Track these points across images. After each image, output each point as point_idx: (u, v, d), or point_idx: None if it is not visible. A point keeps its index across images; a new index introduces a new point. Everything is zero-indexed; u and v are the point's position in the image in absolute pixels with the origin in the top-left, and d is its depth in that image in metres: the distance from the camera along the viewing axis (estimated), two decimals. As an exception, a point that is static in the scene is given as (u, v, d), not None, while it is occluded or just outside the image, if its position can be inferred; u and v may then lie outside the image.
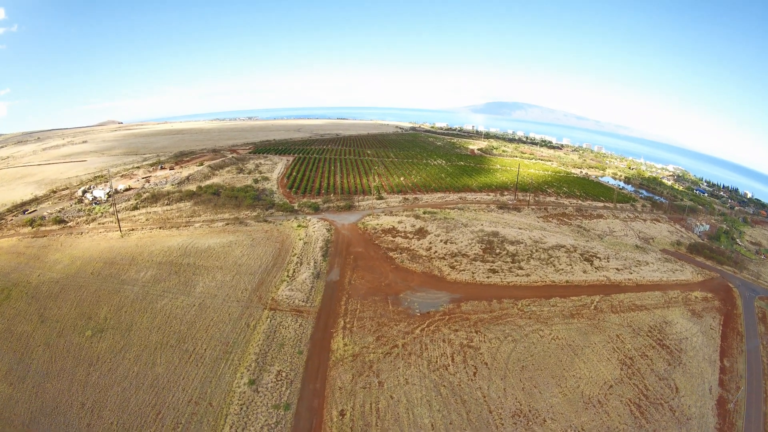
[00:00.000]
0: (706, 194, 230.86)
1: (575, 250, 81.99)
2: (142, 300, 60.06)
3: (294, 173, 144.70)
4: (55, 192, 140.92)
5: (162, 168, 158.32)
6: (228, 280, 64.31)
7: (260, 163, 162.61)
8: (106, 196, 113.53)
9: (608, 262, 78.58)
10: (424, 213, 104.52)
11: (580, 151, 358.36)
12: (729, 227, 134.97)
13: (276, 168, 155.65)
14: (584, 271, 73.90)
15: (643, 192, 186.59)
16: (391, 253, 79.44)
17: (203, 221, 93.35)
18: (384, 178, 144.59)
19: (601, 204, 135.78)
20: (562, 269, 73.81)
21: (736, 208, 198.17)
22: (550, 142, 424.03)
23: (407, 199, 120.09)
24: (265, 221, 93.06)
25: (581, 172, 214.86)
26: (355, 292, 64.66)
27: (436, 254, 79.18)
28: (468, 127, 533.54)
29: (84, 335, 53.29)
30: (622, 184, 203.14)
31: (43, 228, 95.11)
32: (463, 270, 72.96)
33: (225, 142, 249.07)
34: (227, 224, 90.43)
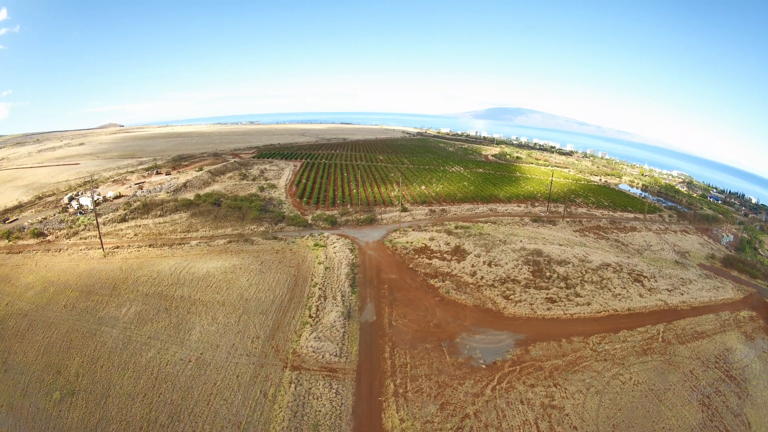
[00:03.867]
0: (719, 201, 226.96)
1: (622, 269, 73.95)
2: (123, 349, 45.86)
3: (303, 180, 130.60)
4: (41, 198, 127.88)
5: (158, 173, 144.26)
6: (233, 323, 49.96)
7: (265, 169, 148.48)
8: (93, 204, 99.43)
9: (656, 282, 71.93)
10: (456, 228, 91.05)
11: (591, 158, 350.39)
12: (750, 237, 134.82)
13: (283, 174, 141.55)
14: (640, 295, 66.05)
15: (660, 199, 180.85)
16: (431, 281, 65.62)
17: (201, 237, 79.30)
18: (403, 187, 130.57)
19: (632, 215, 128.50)
20: (619, 294, 65.25)
21: (750, 215, 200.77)
22: (554, 147, 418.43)
23: (434, 211, 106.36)
24: (275, 238, 78.84)
25: (600, 179, 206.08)
26: (399, 337, 50.45)
27: (484, 281, 66.02)
28: (471, 132, 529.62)
29: (51, 398, 39.48)
30: (641, 192, 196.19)
31: (20, 242, 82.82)
32: (519, 301, 60.63)
33: (227, 146, 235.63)
34: (230, 242, 76.29)
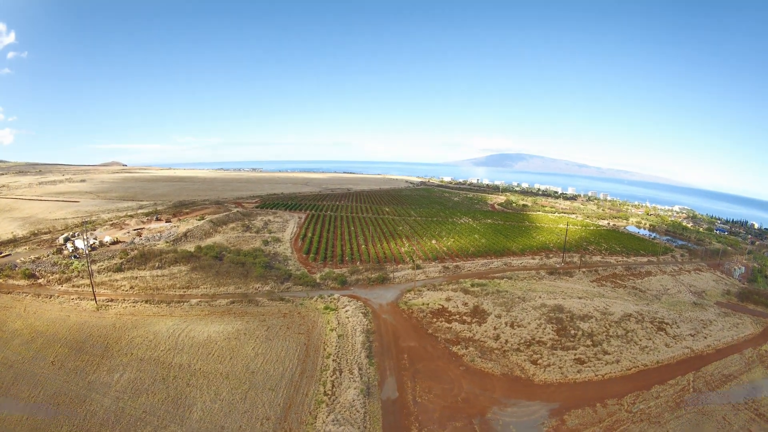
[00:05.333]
0: (726, 233, 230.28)
1: (644, 319, 73.40)
2: (116, 423, 40.06)
3: (309, 234, 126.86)
4: (36, 235, 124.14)
5: (157, 219, 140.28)
6: (238, 400, 44.18)
7: (269, 220, 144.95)
8: (89, 248, 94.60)
9: (679, 328, 72.27)
10: (473, 286, 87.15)
11: (595, 201, 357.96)
12: (760, 265, 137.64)
13: (287, 227, 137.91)
14: (666, 345, 65.38)
15: (669, 238, 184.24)
16: (454, 348, 60.87)
17: (202, 296, 74.17)
18: (413, 241, 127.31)
19: (645, 259, 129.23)
20: (646, 346, 64.18)
21: (757, 242, 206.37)
22: (557, 192, 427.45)
23: (447, 267, 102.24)
24: (282, 299, 73.70)
25: (608, 223, 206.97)
26: (426, 416, 44.83)
27: (509, 345, 62.04)
28: (473, 180, 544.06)
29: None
30: (650, 233, 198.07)
31: (10, 281, 79.22)
32: (548, 365, 57.08)
33: (229, 194, 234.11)
34: (233, 302, 71.06)
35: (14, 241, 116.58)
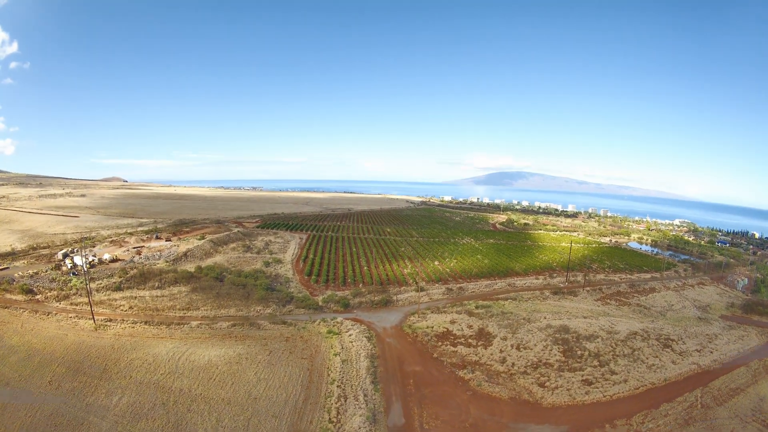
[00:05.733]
0: (727, 245, 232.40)
1: (650, 336, 73.43)
2: (111, 452, 38.54)
3: (311, 255, 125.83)
4: (35, 249, 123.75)
5: (157, 237, 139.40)
6: (241, 428, 42.52)
7: (270, 241, 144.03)
8: (87, 266, 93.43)
9: (685, 344, 72.39)
10: (477, 308, 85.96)
11: (596, 218, 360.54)
12: (763, 276, 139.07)
13: (288, 247, 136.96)
14: (673, 362, 65.17)
15: (672, 253, 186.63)
16: (460, 372, 59.56)
17: (202, 318, 72.71)
18: (416, 262, 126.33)
19: (649, 275, 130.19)
20: (653, 364, 63.91)
21: (759, 252, 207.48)
22: (557, 210, 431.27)
23: (451, 289, 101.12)
24: (284, 323, 72.14)
25: (610, 240, 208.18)
26: None
27: (516, 368, 61.04)
28: (474, 199, 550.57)
29: None
30: (652, 248, 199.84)
31: (8, 295, 78.77)
32: (556, 387, 56.02)
33: (229, 213, 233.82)
34: (234, 325, 69.52)
35: (13, 255, 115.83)
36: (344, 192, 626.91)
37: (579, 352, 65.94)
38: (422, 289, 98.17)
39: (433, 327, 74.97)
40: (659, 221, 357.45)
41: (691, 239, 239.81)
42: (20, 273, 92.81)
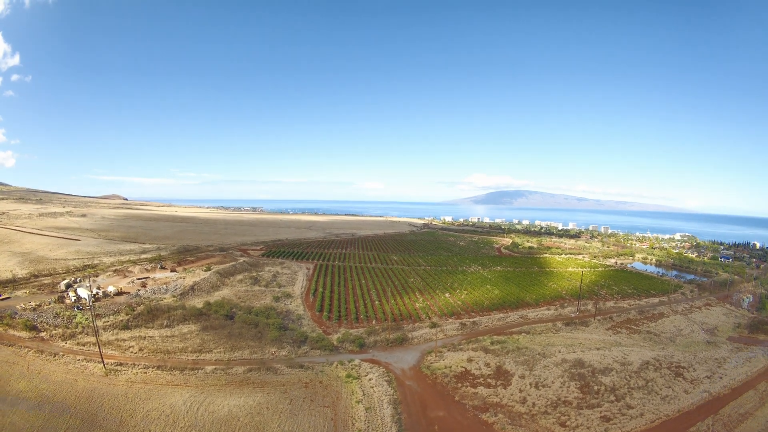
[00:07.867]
0: (730, 259, 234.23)
1: (661, 365, 74.43)
2: None
3: (320, 288, 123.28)
4: (36, 276, 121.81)
5: (162, 268, 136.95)
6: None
7: (277, 272, 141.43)
8: (92, 299, 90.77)
9: (695, 371, 73.77)
10: (492, 344, 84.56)
11: (599, 237, 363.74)
12: (767, 291, 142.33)
13: (297, 279, 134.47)
14: (686, 391, 66.29)
15: (677, 273, 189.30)
16: (483, 415, 58.20)
17: (216, 361, 70.05)
18: (427, 295, 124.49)
19: (657, 299, 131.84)
20: (666, 395, 64.91)
21: (762, 266, 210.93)
22: (558, 228, 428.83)
23: (464, 324, 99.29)
24: (301, 366, 69.33)
25: (615, 262, 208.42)
26: None
27: (536, 408, 60.22)
28: (474, 219, 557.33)
29: None
30: (657, 269, 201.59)
31: (11, 331, 76.38)
32: (576, 426, 55.67)
33: (233, 239, 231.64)
34: (250, 370, 66.75)
35: (14, 282, 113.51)
36: (345, 214, 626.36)
37: (595, 387, 66.43)
38: (436, 325, 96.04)
39: (451, 367, 73.49)
40: (660, 236, 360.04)
41: (694, 256, 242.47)
42: (22, 305, 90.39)
